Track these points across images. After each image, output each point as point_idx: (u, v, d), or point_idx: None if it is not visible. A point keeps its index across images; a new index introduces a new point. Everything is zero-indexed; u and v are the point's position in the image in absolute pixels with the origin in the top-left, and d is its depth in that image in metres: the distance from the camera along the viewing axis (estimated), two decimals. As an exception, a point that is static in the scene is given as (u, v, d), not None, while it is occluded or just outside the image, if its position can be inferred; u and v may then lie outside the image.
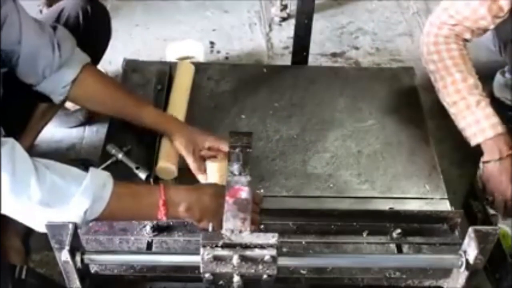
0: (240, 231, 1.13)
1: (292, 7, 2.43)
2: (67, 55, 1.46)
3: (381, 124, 1.72)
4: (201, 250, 1.09)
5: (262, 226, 1.40)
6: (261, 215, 1.34)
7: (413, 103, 1.79)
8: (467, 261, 1.13)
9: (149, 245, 1.38)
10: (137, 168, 1.54)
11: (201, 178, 1.50)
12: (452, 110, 1.67)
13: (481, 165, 1.70)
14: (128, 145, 1.59)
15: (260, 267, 1.10)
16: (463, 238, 1.15)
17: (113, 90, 1.56)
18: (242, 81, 1.84)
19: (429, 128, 1.73)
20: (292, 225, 1.42)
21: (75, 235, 1.11)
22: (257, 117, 1.73)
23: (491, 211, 1.67)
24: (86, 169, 1.58)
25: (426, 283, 1.33)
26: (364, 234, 1.41)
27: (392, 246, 1.40)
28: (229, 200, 1.21)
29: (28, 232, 1.68)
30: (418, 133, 1.70)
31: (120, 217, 1.32)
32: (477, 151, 1.66)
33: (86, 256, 1.14)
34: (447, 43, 1.67)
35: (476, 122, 1.62)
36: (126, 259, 1.25)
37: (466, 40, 1.69)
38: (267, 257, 1.09)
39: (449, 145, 1.98)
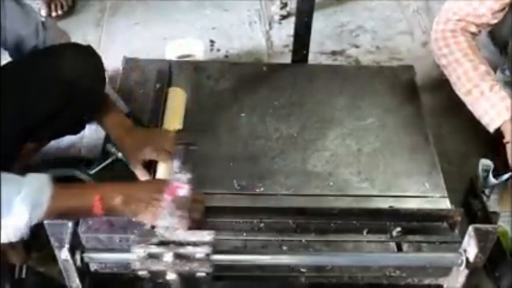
0: (176, 229, 1.15)
1: (292, 5, 2.42)
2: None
3: (381, 123, 1.72)
4: (135, 247, 1.10)
5: (262, 225, 1.40)
6: (208, 214, 1.33)
7: (413, 101, 1.79)
8: (467, 259, 1.14)
9: (149, 244, 1.37)
10: (136, 166, 1.54)
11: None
12: (467, 100, 1.67)
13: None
14: (127, 143, 1.59)
15: (195, 264, 1.10)
16: (463, 236, 1.16)
17: None
18: (242, 79, 1.84)
19: (429, 126, 1.73)
20: (292, 223, 1.41)
21: (75, 234, 1.11)
22: (256, 116, 1.73)
23: (491, 209, 1.67)
24: (87, 165, 1.57)
25: (426, 282, 1.33)
26: (364, 233, 1.40)
27: (392, 245, 1.39)
28: (167, 197, 1.21)
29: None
30: (418, 131, 1.70)
31: (62, 216, 1.24)
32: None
33: (85, 255, 1.14)
34: (455, 37, 1.70)
35: (492, 106, 1.61)
36: (125, 258, 1.25)
37: (472, 33, 1.71)
38: (199, 255, 1.09)
39: (449, 143, 1.98)
